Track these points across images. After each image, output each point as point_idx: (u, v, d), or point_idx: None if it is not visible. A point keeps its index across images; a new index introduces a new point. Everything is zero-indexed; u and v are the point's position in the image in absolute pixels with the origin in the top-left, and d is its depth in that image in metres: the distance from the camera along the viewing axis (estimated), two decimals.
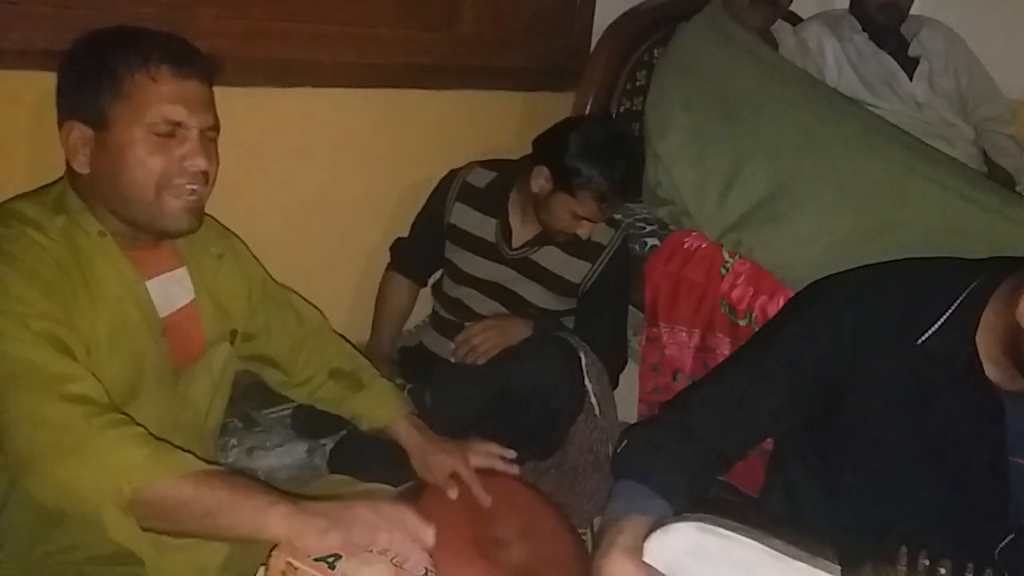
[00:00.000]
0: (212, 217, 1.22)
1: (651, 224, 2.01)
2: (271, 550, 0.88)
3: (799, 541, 0.90)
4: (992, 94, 2.31)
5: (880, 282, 1.10)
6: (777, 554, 0.88)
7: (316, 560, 0.86)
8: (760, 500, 1.29)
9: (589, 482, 1.72)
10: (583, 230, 1.71)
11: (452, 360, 1.79)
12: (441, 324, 1.87)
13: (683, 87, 1.95)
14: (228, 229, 1.30)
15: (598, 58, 2.12)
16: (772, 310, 1.72)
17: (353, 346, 1.45)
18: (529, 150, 1.76)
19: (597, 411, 1.69)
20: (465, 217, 1.81)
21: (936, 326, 1.03)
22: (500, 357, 1.71)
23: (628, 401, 1.95)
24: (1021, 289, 0.97)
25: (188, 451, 0.95)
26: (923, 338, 1.03)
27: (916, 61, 2.26)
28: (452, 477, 1.25)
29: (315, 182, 1.83)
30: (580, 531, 1.33)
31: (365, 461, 1.44)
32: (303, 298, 1.43)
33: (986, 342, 1.02)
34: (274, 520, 0.88)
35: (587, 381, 1.67)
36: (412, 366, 1.82)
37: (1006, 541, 1.06)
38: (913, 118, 2.15)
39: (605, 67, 2.11)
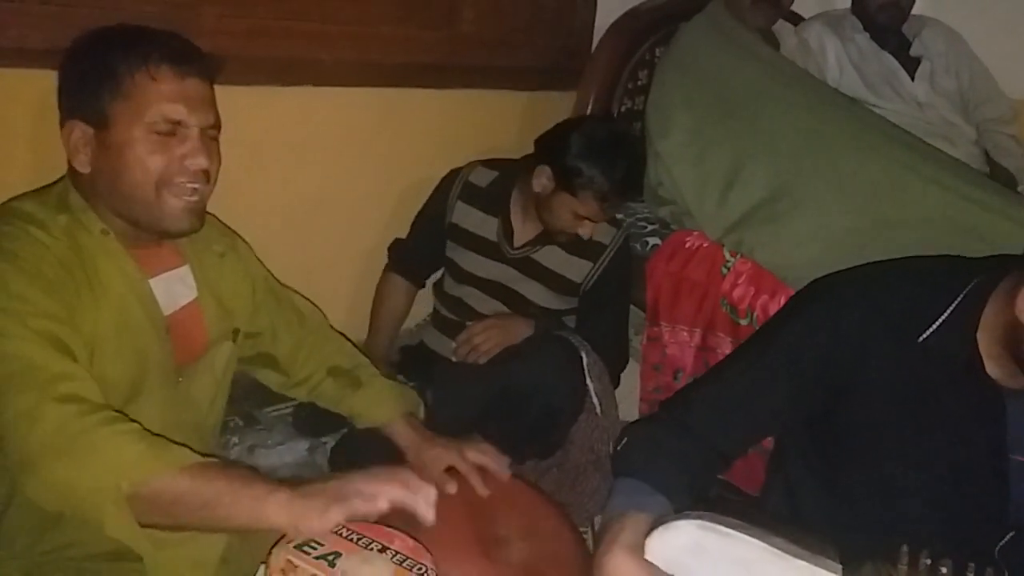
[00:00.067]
0: (214, 216, 1.22)
1: (652, 223, 2.01)
2: (271, 548, 0.87)
3: (800, 539, 0.90)
4: (994, 94, 2.31)
5: (886, 279, 1.10)
6: (778, 552, 0.88)
7: (316, 558, 0.86)
8: (761, 499, 1.29)
9: (590, 481, 1.73)
10: (584, 230, 1.71)
11: (453, 359, 1.79)
12: (442, 323, 1.87)
13: (684, 87, 1.95)
14: (230, 228, 1.30)
15: (599, 57, 2.12)
16: (773, 309, 1.72)
17: (353, 344, 1.45)
18: (530, 149, 1.76)
19: (598, 410, 1.69)
20: (467, 216, 1.81)
21: (937, 324, 1.03)
22: (501, 356, 1.71)
23: (629, 400, 1.95)
24: (1021, 287, 0.97)
25: (186, 446, 0.94)
26: (924, 336, 1.03)
27: (918, 61, 2.26)
28: (448, 472, 1.24)
29: (315, 181, 1.83)
30: (581, 530, 1.33)
31: (367, 459, 1.43)
32: (303, 296, 1.43)
33: (986, 340, 1.02)
34: (273, 508, 0.87)
35: (588, 380, 1.67)
36: (413, 365, 1.82)
37: (1006, 539, 1.06)
38: (915, 118, 2.15)
39: (606, 66, 2.11)
